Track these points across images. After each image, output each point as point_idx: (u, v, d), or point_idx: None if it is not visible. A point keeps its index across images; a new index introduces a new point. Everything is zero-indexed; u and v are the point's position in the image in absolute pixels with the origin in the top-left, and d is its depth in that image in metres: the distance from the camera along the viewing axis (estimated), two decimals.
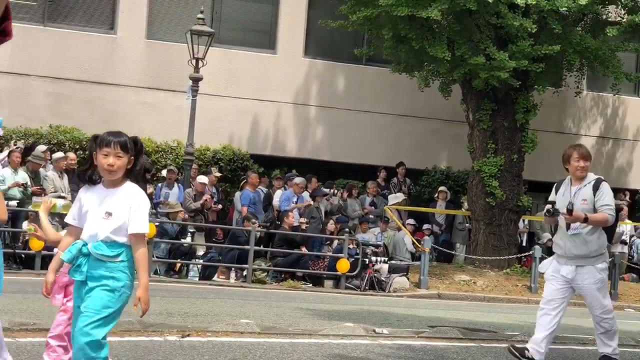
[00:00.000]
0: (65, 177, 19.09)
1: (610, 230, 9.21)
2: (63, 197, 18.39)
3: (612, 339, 9.08)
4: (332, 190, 22.89)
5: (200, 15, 21.21)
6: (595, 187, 8.97)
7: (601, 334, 9.07)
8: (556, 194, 9.24)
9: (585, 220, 8.74)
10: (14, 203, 17.76)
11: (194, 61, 20.86)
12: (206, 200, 20.15)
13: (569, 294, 9.01)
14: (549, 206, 8.92)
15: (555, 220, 8.98)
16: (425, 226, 22.67)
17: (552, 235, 9.40)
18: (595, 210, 8.89)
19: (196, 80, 20.85)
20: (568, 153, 9.13)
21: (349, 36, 24.62)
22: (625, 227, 23.84)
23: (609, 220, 8.90)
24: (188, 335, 9.22)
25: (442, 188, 23.78)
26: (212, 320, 10.96)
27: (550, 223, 9.35)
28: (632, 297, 21.42)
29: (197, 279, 19.09)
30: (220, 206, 21.23)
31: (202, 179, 20.49)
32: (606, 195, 8.95)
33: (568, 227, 8.91)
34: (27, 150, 19.31)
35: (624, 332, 13.69)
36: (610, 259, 22.92)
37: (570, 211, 8.65)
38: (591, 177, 9.10)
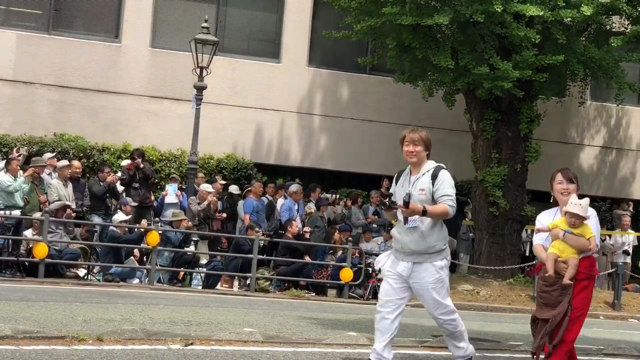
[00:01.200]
0: (70, 185, 19.11)
1: (452, 223, 8.38)
2: (68, 206, 18.42)
3: (460, 340, 8.47)
4: (332, 196, 22.92)
5: (204, 24, 21.25)
6: (434, 176, 8.16)
7: (448, 336, 8.50)
8: (396, 185, 8.42)
9: (424, 213, 7.91)
10: (17, 212, 17.80)
11: (198, 70, 20.90)
12: (211, 202, 20.14)
13: (407, 294, 8.26)
14: (385, 199, 8.16)
15: (395, 214, 8.22)
16: None
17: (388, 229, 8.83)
18: (434, 202, 8.06)
19: (200, 89, 20.89)
20: (401, 136, 8.43)
21: (353, 45, 24.65)
22: (628, 238, 23.81)
23: (449, 212, 8.04)
24: (191, 344, 9.21)
25: None
26: (216, 328, 10.95)
27: (390, 217, 8.73)
28: (635, 308, 21.38)
29: (200, 287, 19.10)
30: (224, 215, 21.23)
31: (207, 187, 20.50)
32: (445, 184, 8.12)
33: (406, 220, 8.12)
34: (29, 159, 19.35)
35: (627, 342, 13.68)
36: (612, 269, 22.74)
37: (407, 203, 7.83)
38: (430, 165, 8.32)
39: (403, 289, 8.20)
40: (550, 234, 7.83)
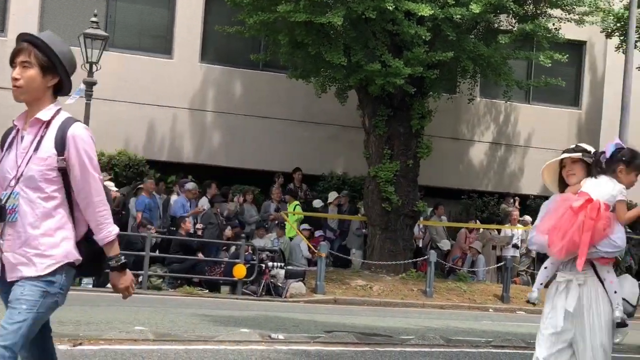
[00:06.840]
0: None
1: None
2: None
3: None
4: (230, 197, 22.84)
5: (93, 19, 20.88)
6: None
7: None
8: None
9: None
10: None
11: (87, 65, 20.54)
12: (115, 197, 19.79)
13: None
14: None
15: None
16: (318, 233, 22.62)
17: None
18: None
19: (90, 85, 20.52)
20: None
21: (246, 42, 24.55)
22: (517, 232, 24.31)
23: None
24: (80, 344, 9.05)
25: (334, 194, 23.84)
26: (106, 328, 10.80)
27: None
28: (522, 300, 21.85)
29: (91, 286, 18.76)
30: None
31: (110, 184, 20.06)
32: None
33: None
34: None
35: (514, 334, 13.97)
36: (502, 263, 23.26)
37: None
38: None
39: None
40: None
